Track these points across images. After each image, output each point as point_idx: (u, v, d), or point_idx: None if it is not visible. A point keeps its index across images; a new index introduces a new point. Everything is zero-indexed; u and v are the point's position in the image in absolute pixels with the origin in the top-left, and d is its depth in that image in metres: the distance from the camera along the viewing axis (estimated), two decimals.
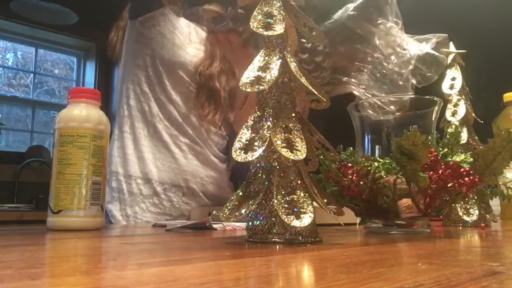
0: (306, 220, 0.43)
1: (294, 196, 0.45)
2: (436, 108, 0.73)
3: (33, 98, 3.35)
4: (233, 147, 0.46)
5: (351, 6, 0.72)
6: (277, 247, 0.43)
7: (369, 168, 0.63)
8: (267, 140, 0.45)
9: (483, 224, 0.82)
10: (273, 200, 0.44)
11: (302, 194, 0.45)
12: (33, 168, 2.93)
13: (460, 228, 0.84)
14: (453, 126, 0.89)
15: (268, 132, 0.45)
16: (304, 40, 0.68)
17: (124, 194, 1.05)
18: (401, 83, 0.74)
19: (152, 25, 1.08)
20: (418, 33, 0.88)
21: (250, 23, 0.48)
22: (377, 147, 0.75)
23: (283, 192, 0.45)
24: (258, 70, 0.47)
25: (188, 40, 1.11)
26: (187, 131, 1.11)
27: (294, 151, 0.45)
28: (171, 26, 1.09)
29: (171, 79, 1.10)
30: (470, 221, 0.85)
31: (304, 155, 0.45)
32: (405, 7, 0.81)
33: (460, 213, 0.86)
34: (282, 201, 0.44)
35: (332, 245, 0.47)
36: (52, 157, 0.67)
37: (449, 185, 0.62)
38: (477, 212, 0.85)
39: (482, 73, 2.28)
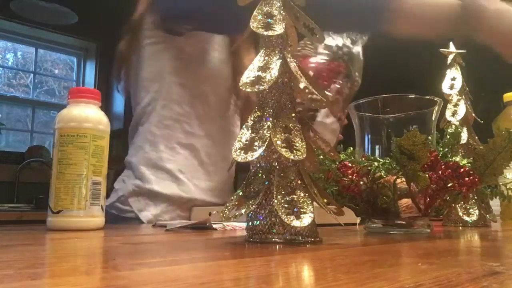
0: (306, 220, 0.43)
1: (294, 196, 0.45)
2: (436, 108, 0.73)
3: (33, 98, 3.35)
4: (233, 147, 0.46)
5: None
6: (277, 247, 0.43)
7: (369, 168, 0.63)
8: (267, 140, 0.45)
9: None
10: (273, 200, 0.44)
11: (302, 194, 0.45)
12: (33, 168, 2.93)
13: (460, 228, 0.84)
14: (453, 126, 0.89)
15: (268, 132, 0.45)
16: None
17: (167, 210, 0.99)
18: None
19: (196, 42, 1.02)
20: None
21: (250, 23, 0.48)
22: (377, 147, 0.75)
23: (283, 192, 0.45)
24: (258, 70, 0.47)
25: (226, 53, 1.08)
26: (225, 145, 1.05)
27: (294, 151, 0.45)
28: (212, 42, 1.05)
29: (216, 96, 1.06)
30: (470, 221, 0.85)
31: (304, 155, 0.45)
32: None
33: (460, 213, 0.86)
34: (282, 201, 0.44)
35: (332, 245, 0.47)
36: (52, 157, 0.67)
37: (449, 185, 0.62)
38: (477, 212, 0.85)
39: (482, 73, 2.28)
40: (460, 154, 0.85)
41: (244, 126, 0.47)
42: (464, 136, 0.91)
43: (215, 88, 1.05)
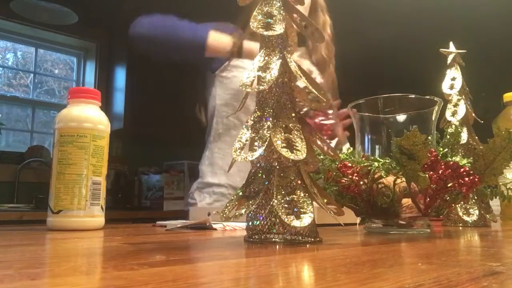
0: (306, 220, 0.43)
1: (294, 196, 0.45)
2: (436, 108, 0.73)
3: (33, 98, 3.35)
4: (233, 147, 0.46)
5: None
6: (277, 247, 0.43)
7: (369, 168, 0.63)
8: (267, 140, 0.45)
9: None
10: (273, 200, 0.44)
11: (302, 194, 0.45)
12: (33, 168, 2.92)
13: (460, 228, 0.84)
14: (453, 126, 0.89)
15: (268, 132, 0.45)
16: None
17: (215, 194, 1.29)
18: None
19: (227, 70, 1.32)
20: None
21: (250, 23, 0.48)
22: (377, 147, 0.75)
23: (283, 192, 0.45)
24: (258, 70, 0.47)
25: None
26: None
27: (294, 151, 0.45)
28: (239, 66, 1.29)
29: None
30: (470, 221, 0.85)
31: (304, 155, 0.45)
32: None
33: (460, 213, 0.86)
34: (282, 201, 0.44)
35: (332, 245, 0.47)
36: (52, 157, 0.67)
37: (449, 185, 0.62)
38: (477, 212, 0.85)
39: (482, 73, 2.28)
40: (460, 154, 0.85)
41: (244, 126, 0.47)
42: (464, 136, 0.91)
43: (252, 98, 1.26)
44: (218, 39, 1.25)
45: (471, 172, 0.61)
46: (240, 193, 0.47)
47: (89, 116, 0.66)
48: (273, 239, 0.46)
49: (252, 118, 0.48)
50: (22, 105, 3.32)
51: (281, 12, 0.48)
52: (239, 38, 1.23)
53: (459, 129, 0.88)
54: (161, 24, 1.28)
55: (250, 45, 1.23)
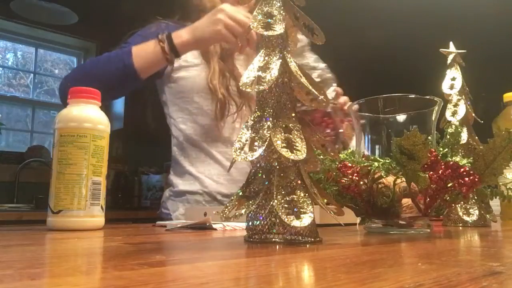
0: (306, 220, 0.43)
1: (294, 196, 0.45)
2: (436, 108, 0.73)
3: (33, 98, 3.35)
4: (233, 147, 0.46)
5: None
6: (277, 247, 0.43)
7: (369, 168, 0.63)
8: (267, 140, 0.45)
9: None
10: (273, 200, 0.44)
11: (302, 194, 0.45)
12: (33, 168, 2.92)
13: (460, 228, 0.84)
14: (453, 126, 0.89)
15: (268, 132, 0.45)
16: None
17: (189, 202, 1.21)
18: None
19: (171, 75, 1.24)
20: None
21: (250, 23, 0.48)
22: (377, 147, 0.75)
23: (283, 192, 0.45)
24: (258, 70, 0.47)
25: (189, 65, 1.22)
26: (231, 143, 1.19)
27: (294, 151, 0.45)
28: (182, 66, 1.22)
29: (212, 106, 1.21)
30: (470, 221, 0.85)
31: (304, 155, 0.45)
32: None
33: (460, 213, 0.86)
34: (282, 201, 0.44)
35: (332, 245, 0.47)
36: (52, 157, 0.67)
37: (449, 185, 0.62)
38: (477, 212, 0.85)
39: (482, 73, 2.28)
40: (460, 154, 0.85)
41: (244, 126, 0.47)
42: (464, 136, 0.91)
43: (205, 97, 1.23)
44: (142, 54, 1.07)
45: (471, 172, 0.61)
46: (240, 193, 0.47)
47: (89, 116, 0.66)
48: (273, 239, 0.46)
49: (252, 118, 0.48)
50: (22, 105, 3.32)
51: (281, 12, 0.48)
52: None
53: (459, 129, 0.88)
54: (80, 69, 1.21)
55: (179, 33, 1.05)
